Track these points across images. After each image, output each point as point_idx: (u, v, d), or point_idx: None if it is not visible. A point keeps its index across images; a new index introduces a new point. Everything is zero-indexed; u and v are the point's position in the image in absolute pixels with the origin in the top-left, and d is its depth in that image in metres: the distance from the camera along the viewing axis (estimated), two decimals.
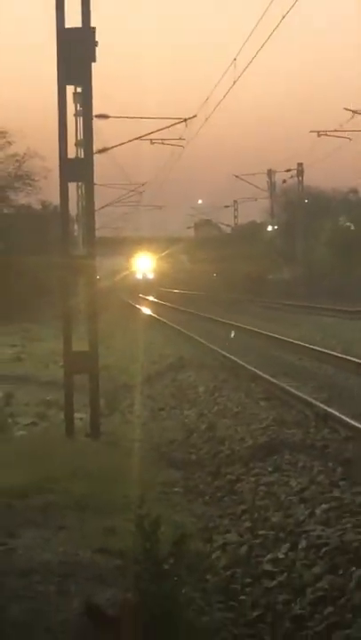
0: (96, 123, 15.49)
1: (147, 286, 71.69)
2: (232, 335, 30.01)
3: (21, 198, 49.27)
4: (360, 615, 6.00)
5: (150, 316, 45.14)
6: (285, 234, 68.59)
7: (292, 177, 68.45)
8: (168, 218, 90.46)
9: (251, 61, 45.40)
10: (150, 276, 79.00)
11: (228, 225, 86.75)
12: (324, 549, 7.28)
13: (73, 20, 13.54)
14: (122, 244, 76.53)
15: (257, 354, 23.28)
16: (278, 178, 71.63)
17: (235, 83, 41.64)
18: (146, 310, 48.93)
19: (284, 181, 70.66)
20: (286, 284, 59.66)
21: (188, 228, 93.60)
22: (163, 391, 18.36)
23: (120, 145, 49.02)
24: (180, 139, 47.81)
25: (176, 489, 10.27)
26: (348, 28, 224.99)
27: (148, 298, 59.69)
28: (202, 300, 58.24)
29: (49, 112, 14.34)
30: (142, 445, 12.69)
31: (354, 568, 6.71)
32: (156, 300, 59.83)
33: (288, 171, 68.23)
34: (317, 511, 8.46)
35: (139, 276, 77.15)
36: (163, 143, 49.78)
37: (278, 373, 18.91)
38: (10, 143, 48.29)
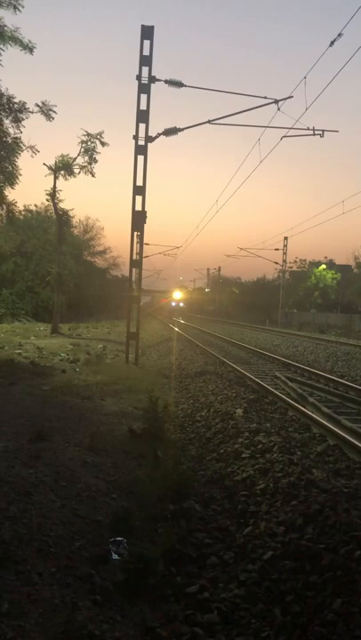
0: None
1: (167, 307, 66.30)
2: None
3: (115, 272, 47.97)
4: (234, 438, 5.97)
5: (157, 318, 44.12)
6: (212, 292, 68.23)
7: (216, 270, 68.24)
8: (169, 282, 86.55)
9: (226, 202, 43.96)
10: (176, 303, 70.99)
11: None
12: (219, 413, 7.30)
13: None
14: (149, 291, 72.57)
15: (200, 338, 22.89)
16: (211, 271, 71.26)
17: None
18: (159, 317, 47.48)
19: (214, 271, 70.30)
20: (212, 311, 59.06)
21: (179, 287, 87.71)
22: (163, 349, 18.10)
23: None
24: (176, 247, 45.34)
25: (165, 386, 10.19)
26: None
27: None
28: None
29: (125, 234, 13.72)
30: (154, 368, 12.57)
31: (230, 421, 6.74)
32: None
33: (215, 269, 67.92)
34: (218, 398, 8.41)
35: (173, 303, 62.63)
36: (164, 254, 46.18)
37: (205, 344, 18.61)
38: (111, 251, 46.63)
